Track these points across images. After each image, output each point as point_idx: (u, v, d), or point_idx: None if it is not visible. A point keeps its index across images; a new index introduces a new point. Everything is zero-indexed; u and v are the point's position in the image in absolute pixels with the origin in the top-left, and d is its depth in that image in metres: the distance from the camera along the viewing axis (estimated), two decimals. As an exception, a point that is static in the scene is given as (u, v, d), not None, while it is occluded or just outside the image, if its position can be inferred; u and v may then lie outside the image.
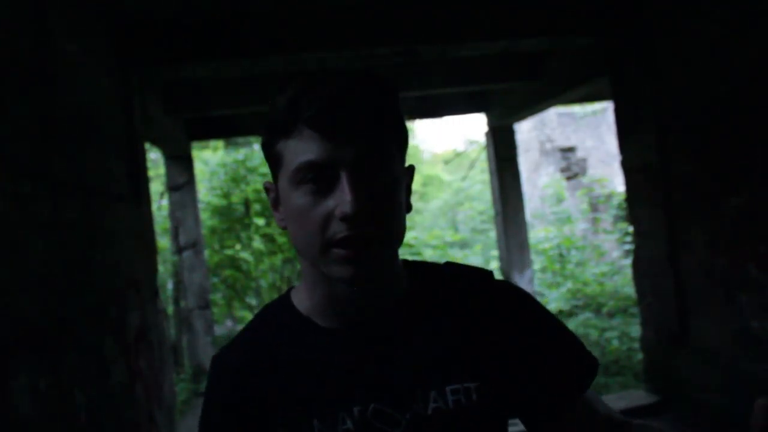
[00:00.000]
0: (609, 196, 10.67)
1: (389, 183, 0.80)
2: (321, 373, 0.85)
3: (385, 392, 0.84)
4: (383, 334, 0.86)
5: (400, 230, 0.82)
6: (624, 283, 8.13)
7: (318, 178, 0.77)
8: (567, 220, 10.52)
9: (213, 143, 9.66)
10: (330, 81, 0.78)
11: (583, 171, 12.20)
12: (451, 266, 0.95)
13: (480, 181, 15.04)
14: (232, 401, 0.87)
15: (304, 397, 0.85)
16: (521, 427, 0.93)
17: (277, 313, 0.93)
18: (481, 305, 0.89)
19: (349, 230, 0.75)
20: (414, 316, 0.88)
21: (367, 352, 0.85)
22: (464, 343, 0.87)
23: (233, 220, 8.29)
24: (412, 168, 0.89)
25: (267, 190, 0.88)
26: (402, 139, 0.84)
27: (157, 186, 8.63)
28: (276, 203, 0.86)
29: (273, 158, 0.83)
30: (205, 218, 8.00)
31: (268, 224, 8.25)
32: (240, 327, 4.58)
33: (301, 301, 0.90)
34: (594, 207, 11.00)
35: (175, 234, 6.63)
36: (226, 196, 8.24)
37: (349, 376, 0.85)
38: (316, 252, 0.79)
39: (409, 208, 0.87)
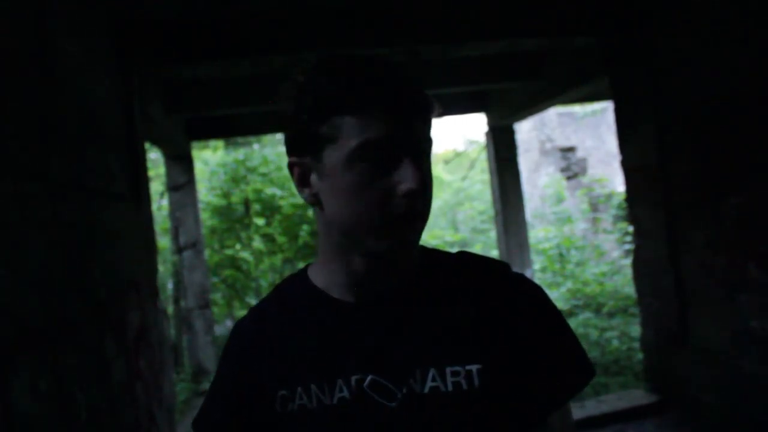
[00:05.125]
0: (609, 196, 10.68)
1: (430, 162, 0.86)
2: (325, 340, 0.89)
3: (385, 365, 0.85)
4: (392, 309, 0.88)
5: None
6: (624, 283, 8.14)
7: (379, 155, 0.80)
8: (567, 220, 10.53)
9: (213, 143, 9.66)
10: (378, 63, 0.82)
11: (583, 171, 12.20)
12: (465, 255, 0.97)
13: (480, 181, 15.04)
14: (243, 362, 0.93)
15: (306, 362, 0.88)
16: None
17: (292, 285, 0.98)
18: (495, 294, 0.90)
19: (408, 206, 0.80)
20: (423, 296, 0.90)
21: (373, 324, 0.88)
22: (471, 327, 0.87)
23: (233, 220, 8.30)
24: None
25: (292, 166, 0.88)
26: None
27: (157, 186, 8.62)
28: (304, 180, 0.87)
29: (319, 135, 0.82)
30: (205, 218, 8.00)
31: (268, 224, 8.25)
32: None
33: (317, 275, 0.94)
34: (594, 207, 11.00)
35: (175, 234, 6.62)
36: (226, 196, 8.25)
37: (351, 345, 0.87)
38: (369, 225, 0.81)
39: None
